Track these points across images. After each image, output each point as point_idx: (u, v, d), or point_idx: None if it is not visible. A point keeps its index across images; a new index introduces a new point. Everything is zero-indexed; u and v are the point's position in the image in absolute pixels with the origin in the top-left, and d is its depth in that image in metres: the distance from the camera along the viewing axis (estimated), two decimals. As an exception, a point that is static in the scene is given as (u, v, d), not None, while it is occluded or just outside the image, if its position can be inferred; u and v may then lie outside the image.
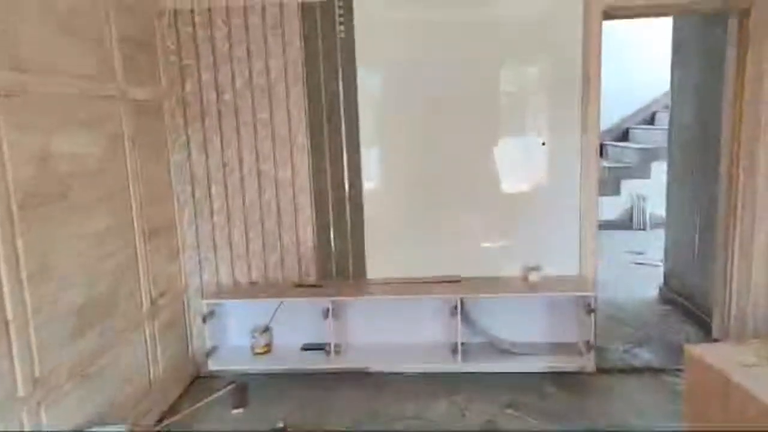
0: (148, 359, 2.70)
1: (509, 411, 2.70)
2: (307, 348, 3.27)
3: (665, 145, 4.37)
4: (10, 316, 1.78)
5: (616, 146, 7.04)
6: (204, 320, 3.09)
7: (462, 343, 3.05)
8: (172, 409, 2.83)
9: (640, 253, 5.45)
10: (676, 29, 3.98)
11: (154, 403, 2.71)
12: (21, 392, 1.83)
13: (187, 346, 3.16)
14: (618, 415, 2.65)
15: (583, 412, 2.67)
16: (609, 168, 6.55)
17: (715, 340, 3.30)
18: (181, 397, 2.97)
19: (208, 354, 3.14)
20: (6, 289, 1.77)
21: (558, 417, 2.63)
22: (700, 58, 3.64)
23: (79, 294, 2.16)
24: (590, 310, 2.95)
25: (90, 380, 2.21)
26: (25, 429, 1.85)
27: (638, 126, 7.24)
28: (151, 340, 2.72)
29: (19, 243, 1.83)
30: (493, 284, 3.08)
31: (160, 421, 2.71)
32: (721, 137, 3.22)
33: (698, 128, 3.67)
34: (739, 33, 3.03)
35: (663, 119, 6.47)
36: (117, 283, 2.43)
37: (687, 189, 3.87)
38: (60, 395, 2.02)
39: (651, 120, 7.28)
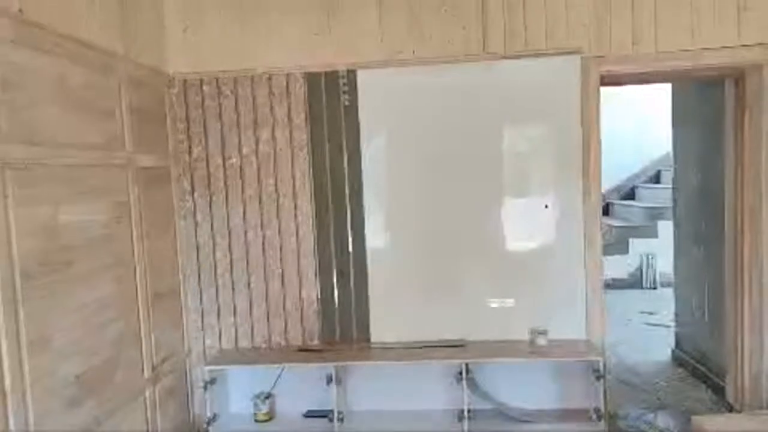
0: (148, 427, 2.65)
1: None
2: (310, 415, 3.18)
3: (670, 203, 4.38)
4: (8, 388, 1.77)
5: (623, 205, 7.06)
6: (205, 387, 3.03)
7: (468, 410, 2.96)
8: (169, 482, 2.74)
9: (651, 314, 5.35)
10: (675, 91, 4.08)
11: (151, 474, 2.64)
12: (13, 468, 1.80)
13: (189, 414, 3.10)
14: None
15: (596, 486, 2.56)
16: (616, 227, 6.55)
17: (731, 406, 3.18)
18: (179, 467, 2.89)
19: (209, 422, 3.06)
20: (6, 362, 1.77)
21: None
22: (700, 119, 3.71)
23: (78, 363, 2.16)
24: (599, 376, 2.87)
25: (86, 452, 2.16)
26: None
27: (644, 185, 7.29)
28: (151, 407, 2.68)
29: (21, 314, 1.85)
30: (498, 348, 3.02)
31: (156, 494, 2.62)
32: (725, 200, 3.24)
33: (702, 189, 3.70)
34: (736, 96, 3.11)
35: (668, 177, 6.52)
36: (118, 351, 2.43)
37: (694, 250, 3.84)
38: (53, 469, 1.98)
39: (656, 178, 7.33)
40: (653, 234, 6.37)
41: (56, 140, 2.09)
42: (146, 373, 2.65)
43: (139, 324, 2.61)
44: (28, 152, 1.93)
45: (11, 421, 1.79)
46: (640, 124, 6.72)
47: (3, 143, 1.81)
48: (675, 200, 4.16)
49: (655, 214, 6.43)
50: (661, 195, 6.47)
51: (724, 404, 3.28)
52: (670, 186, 4.48)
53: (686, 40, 2.87)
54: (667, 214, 5.85)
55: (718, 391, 3.40)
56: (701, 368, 3.68)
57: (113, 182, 2.46)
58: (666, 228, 5.80)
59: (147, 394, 2.65)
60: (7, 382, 1.78)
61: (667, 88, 4.23)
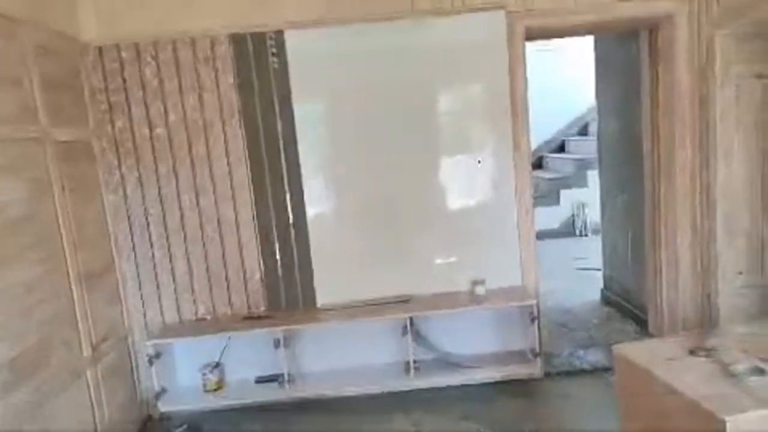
0: (93, 407, 2.60)
1: (464, 423, 2.75)
2: (261, 381, 3.22)
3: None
4: (-70, 377, 1.70)
5: (554, 158, 7.35)
6: (150, 362, 3.00)
7: (414, 361, 3.09)
8: (121, 458, 2.73)
9: (582, 259, 5.68)
10: (597, 45, 4.24)
11: (101, 452, 2.61)
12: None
13: (135, 390, 3.06)
14: (566, 415, 2.74)
15: (534, 417, 2.76)
16: (549, 179, 6.83)
17: (652, 336, 3.48)
18: (130, 443, 2.87)
19: (158, 396, 3.05)
20: (-75, 349, 1.69)
21: (509, 423, 2.70)
22: (620, 72, 3.89)
23: (8, 348, 2.07)
24: (533, 318, 3.06)
25: (27, 437, 2.11)
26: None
27: (573, 137, 7.60)
28: (95, 387, 2.62)
29: (-61, 299, 1.76)
30: (441, 301, 3.15)
31: (107, 471, 2.61)
32: (643, 148, 3.45)
33: (624, 140, 3.91)
34: (650, 47, 3.27)
35: (594, 129, 6.82)
36: (51, 333, 2.35)
37: (618, 197, 4.09)
38: (-8, 456, 1.93)
39: (584, 130, 7.65)
40: (583, 184, 6.70)
41: (-42, 114, 1.95)
42: (85, 353, 2.59)
43: (73, 303, 2.52)
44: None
45: (-61, 412, 1.72)
46: (568, 79, 6.95)
47: None
48: (599, 150, 4.38)
49: (584, 165, 6.75)
50: (589, 146, 6.77)
51: (646, 335, 3.58)
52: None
53: (601, -8, 2.98)
54: (595, 165, 6.15)
55: (642, 324, 3.70)
56: (627, 305, 3.98)
57: (28, 158, 2.32)
58: (595, 178, 6.10)
59: (88, 373, 2.59)
60: (-70, 371, 1.70)
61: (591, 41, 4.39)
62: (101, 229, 2.89)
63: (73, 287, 2.53)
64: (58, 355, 2.38)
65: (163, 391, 3.07)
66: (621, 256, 4.06)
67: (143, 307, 3.12)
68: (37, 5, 2.47)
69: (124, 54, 2.94)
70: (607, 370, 3.18)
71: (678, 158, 3.16)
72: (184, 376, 3.24)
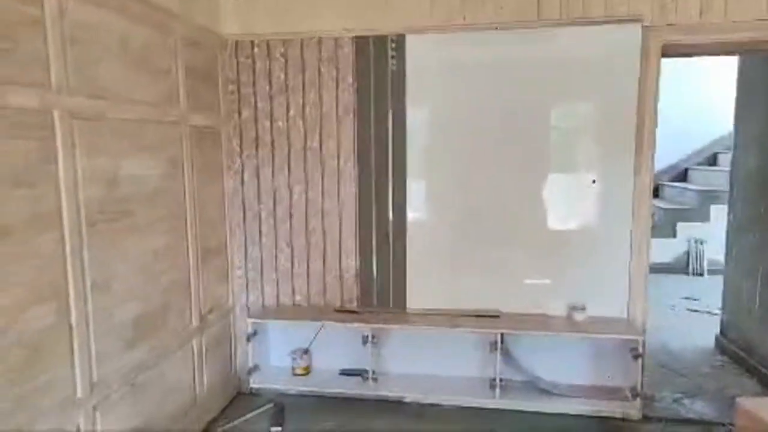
0: (194, 373, 2.81)
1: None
2: (345, 373, 3.30)
3: (726, 188, 4.20)
4: (74, 321, 1.93)
5: (673, 187, 6.79)
6: (248, 339, 3.18)
7: (501, 380, 3.00)
8: (215, 423, 2.91)
9: (695, 300, 5.20)
10: (743, 67, 3.86)
11: (197, 415, 2.81)
12: (80, 394, 1.96)
13: (231, 364, 3.26)
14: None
15: (626, 462, 2.56)
16: (665, 210, 6.33)
17: (776, 397, 3.10)
18: (223, 411, 3.06)
19: (250, 372, 3.23)
20: (72, 297, 1.92)
21: (599, 465, 2.53)
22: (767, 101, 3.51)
23: (135, 307, 2.30)
24: (637, 355, 2.84)
25: (139, 390, 2.32)
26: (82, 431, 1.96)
27: (698, 167, 6.98)
28: (198, 355, 2.83)
29: (86, 256, 1.99)
30: (533, 321, 3.03)
31: (200, 434, 2.80)
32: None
33: (763, 174, 3.52)
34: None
35: (725, 161, 6.22)
36: (170, 299, 2.57)
37: (749, 235, 3.69)
38: (113, 401, 2.14)
39: (713, 161, 7.00)
40: (705, 218, 6.12)
41: (118, 95, 2.19)
42: (194, 322, 2.80)
43: (189, 275, 2.74)
44: (93, 105, 2.03)
45: (76, 354, 1.94)
46: (697, 102, 6.40)
47: (71, 96, 1.92)
48: (732, 182, 3.98)
49: (708, 198, 6.16)
50: (716, 178, 6.19)
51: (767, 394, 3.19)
52: (727, 169, 4.28)
53: (760, 8, 2.70)
54: (721, 199, 5.60)
55: (764, 381, 3.30)
56: (746, 357, 3.57)
57: (168, 139, 2.56)
58: (719, 212, 5.59)
59: (194, 341, 2.80)
60: (73, 317, 1.92)
61: (730, 62, 4.00)
62: (219, 211, 3.11)
63: (191, 260, 2.75)
64: (173, 320, 2.60)
65: (256, 368, 3.25)
66: (745, 300, 3.65)
67: (246, 287, 3.32)
68: (187, 0, 2.72)
69: (256, 50, 3.15)
70: (714, 424, 2.88)
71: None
72: (275, 358, 3.40)
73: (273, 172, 3.22)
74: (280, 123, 3.18)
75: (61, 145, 1.87)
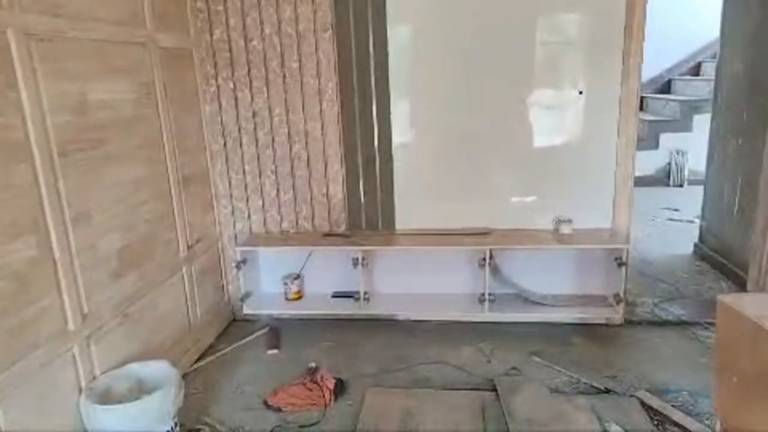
0: (186, 302, 2.83)
1: (535, 359, 2.74)
2: (337, 296, 3.35)
3: (709, 97, 4.17)
4: (57, 255, 1.89)
5: (656, 98, 6.74)
6: (238, 267, 3.19)
7: (490, 294, 3.07)
8: (210, 349, 2.98)
9: (675, 210, 5.31)
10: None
11: (193, 342, 2.86)
12: (71, 326, 1.96)
13: (223, 292, 3.29)
14: (643, 365, 2.65)
15: (609, 362, 2.69)
16: (648, 122, 6.31)
17: (751, 296, 3.24)
18: (218, 338, 3.12)
19: (243, 299, 3.26)
20: (52, 230, 1.86)
21: (583, 366, 2.66)
22: (758, 5, 3.40)
23: (119, 238, 2.26)
24: (621, 263, 2.92)
25: (132, 319, 2.33)
26: (77, 362, 1.98)
27: (681, 77, 6.90)
28: (189, 284, 2.84)
29: (61, 187, 1.91)
30: (522, 236, 3.07)
31: (198, 359, 2.86)
32: (771, 88, 3.06)
33: (749, 80, 3.48)
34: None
35: (709, 69, 6.15)
36: (154, 230, 2.52)
37: (731, 143, 3.71)
38: (106, 332, 2.15)
39: (696, 70, 6.92)
40: (687, 128, 6.13)
41: (78, 13, 2.03)
42: (182, 252, 2.78)
43: (171, 205, 2.68)
44: (50, 23, 1.88)
45: (63, 287, 1.92)
46: (681, 10, 6.21)
47: (25, 13, 1.76)
48: (716, 89, 3.94)
49: (691, 108, 6.14)
50: (701, 88, 6.14)
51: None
52: (711, 78, 4.23)
53: None
54: (703, 108, 5.60)
55: (740, 283, 3.44)
56: (724, 261, 3.70)
57: (137, 62, 2.41)
58: (701, 122, 5.59)
59: (184, 271, 2.80)
60: (55, 250, 1.88)
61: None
62: (198, 139, 3.00)
63: (173, 190, 2.68)
64: (160, 251, 2.57)
65: (248, 295, 3.28)
66: (725, 207, 3.73)
67: (233, 216, 3.28)
68: None
69: (223, -39, 2.91)
70: (694, 324, 3.03)
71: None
72: (267, 284, 3.43)
73: (252, 95, 3.08)
74: (255, 42, 3.01)
75: (20, 68, 1.73)
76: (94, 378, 2.06)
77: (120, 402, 1.98)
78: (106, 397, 2.01)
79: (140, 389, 2.10)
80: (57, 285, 1.90)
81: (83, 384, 2.00)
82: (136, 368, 2.17)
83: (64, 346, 1.93)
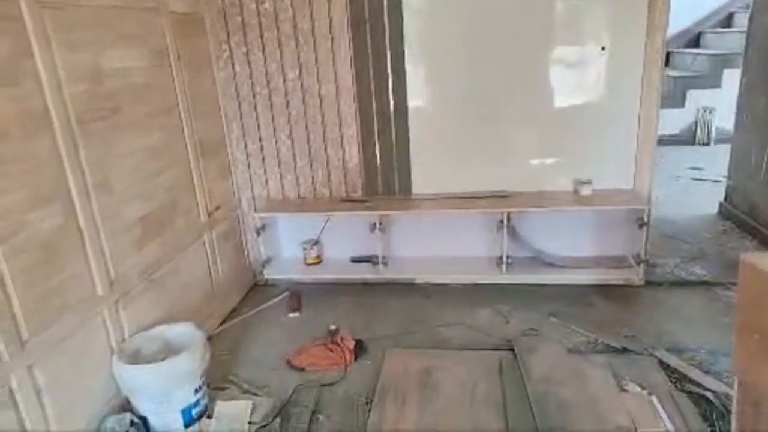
0: (209, 267, 2.88)
1: (553, 319, 2.75)
2: (355, 260, 3.39)
3: (741, 51, 3.98)
4: (82, 223, 1.93)
5: (684, 53, 6.48)
6: (258, 233, 3.23)
7: (508, 257, 3.07)
8: (234, 313, 3.06)
9: (699, 170, 5.18)
10: None
11: (216, 307, 2.93)
12: (100, 291, 2.02)
13: (244, 257, 3.34)
14: (663, 325, 2.64)
15: (628, 322, 2.68)
16: (675, 78, 6.09)
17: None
18: (241, 302, 3.19)
19: (264, 264, 3.32)
20: (75, 198, 1.90)
21: (602, 326, 2.66)
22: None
23: (140, 206, 2.30)
24: (642, 224, 2.87)
25: (158, 285, 2.40)
26: (107, 325, 2.05)
27: (712, 30, 6.60)
28: (210, 249, 2.89)
29: (82, 156, 1.94)
30: (541, 198, 3.03)
31: (222, 323, 2.94)
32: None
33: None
34: None
35: (742, 21, 5.86)
36: (174, 197, 2.56)
37: (761, 100, 3.56)
38: (133, 296, 2.22)
39: (727, 22, 6.60)
40: (716, 84, 5.89)
41: (86, -21, 2.01)
42: (202, 219, 2.82)
43: (190, 172, 2.71)
44: (61, -9, 1.87)
45: (90, 254, 1.97)
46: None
47: (34, -20, 1.75)
48: (748, 42, 3.77)
49: (720, 62, 5.87)
50: (732, 41, 5.86)
51: None
52: (744, 29, 4.03)
53: None
54: (734, 63, 5.35)
55: (765, 243, 3.38)
56: (749, 220, 3.62)
57: (149, 27, 2.39)
58: (731, 78, 5.36)
59: (205, 237, 2.84)
60: (80, 217, 1.92)
61: None
62: (213, 104, 2.99)
63: (191, 156, 2.70)
64: (181, 218, 2.61)
65: (269, 260, 3.33)
66: (753, 165, 3.62)
67: (251, 181, 3.30)
68: None
69: None
70: (716, 284, 2.99)
71: None
72: (287, 250, 3.48)
73: (264, 58, 3.04)
74: (267, 5, 2.95)
75: (34, 37, 1.74)
76: (124, 340, 2.14)
77: (149, 362, 2.05)
78: (136, 358, 2.09)
79: (168, 350, 2.17)
80: (84, 252, 1.95)
81: (114, 345, 2.08)
82: (164, 330, 2.24)
83: (94, 311, 2.00)
